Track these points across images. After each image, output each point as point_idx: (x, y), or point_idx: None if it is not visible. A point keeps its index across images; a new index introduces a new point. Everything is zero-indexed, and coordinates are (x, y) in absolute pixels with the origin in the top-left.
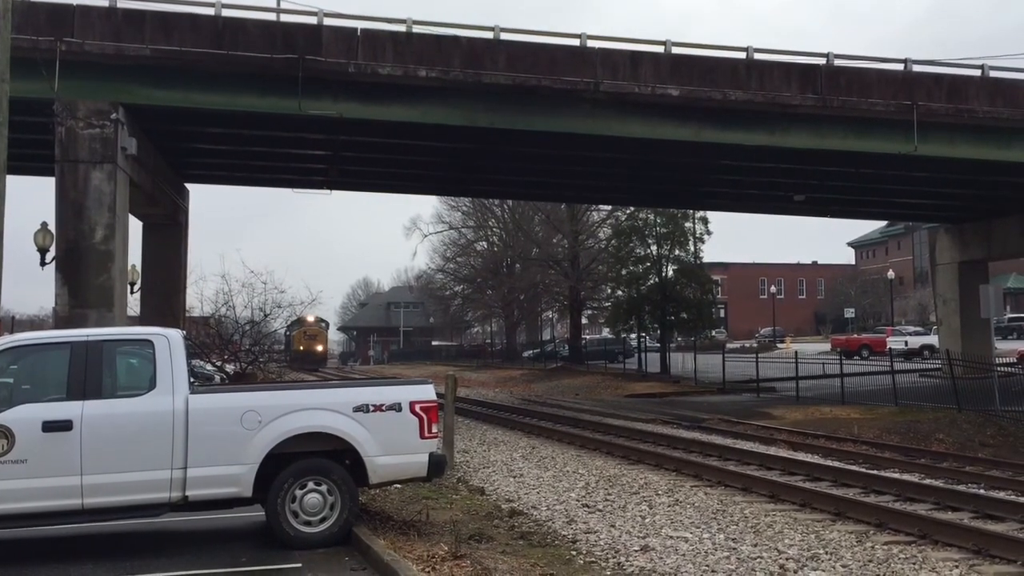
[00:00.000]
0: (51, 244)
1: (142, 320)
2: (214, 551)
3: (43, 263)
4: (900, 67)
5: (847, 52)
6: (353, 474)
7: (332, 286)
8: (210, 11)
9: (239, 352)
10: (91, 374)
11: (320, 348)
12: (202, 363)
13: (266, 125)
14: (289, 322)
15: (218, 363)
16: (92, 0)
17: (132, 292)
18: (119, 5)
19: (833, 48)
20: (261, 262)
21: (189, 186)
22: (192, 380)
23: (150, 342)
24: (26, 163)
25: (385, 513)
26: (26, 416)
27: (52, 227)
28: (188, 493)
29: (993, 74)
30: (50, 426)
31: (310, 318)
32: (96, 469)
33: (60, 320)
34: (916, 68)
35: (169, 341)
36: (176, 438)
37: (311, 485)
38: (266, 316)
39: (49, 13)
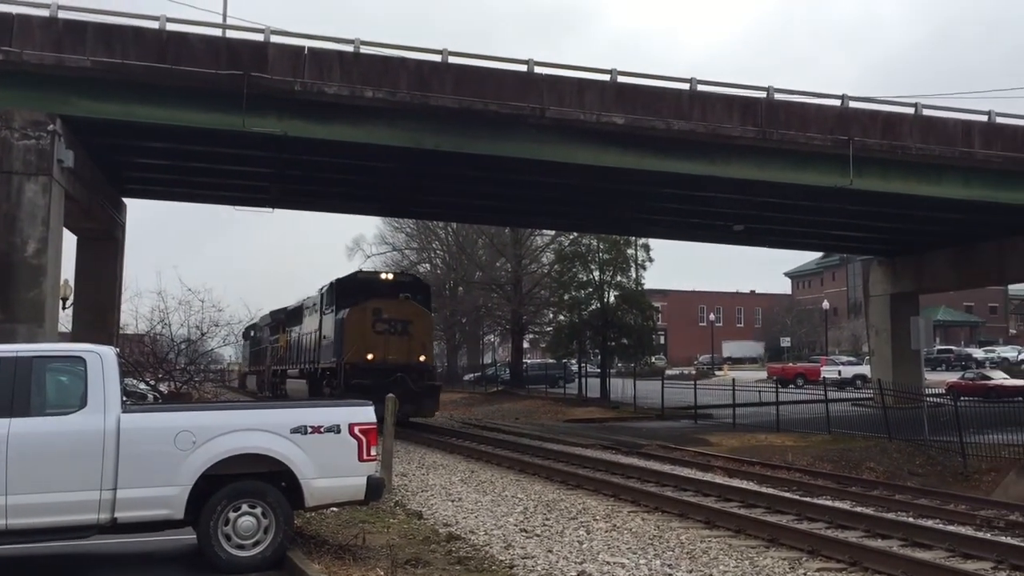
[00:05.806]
0: None
1: (74, 336)
2: (143, 575)
3: None
4: (838, 103)
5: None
6: (289, 497)
7: (272, 305)
8: (154, 24)
9: (174, 371)
10: (19, 391)
11: (423, 357)
12: (135, 382)
13: (209, 141)
14: (323, 290)
15: (152, 382)
16: (32, 9)
17: (64, 308)
18: (60, 16)
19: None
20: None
21: (127, 200)
22: (125, 399)
23: (82, 359)
24: None
25: (320, 537)
26: None
27: None
28: (117, 515)
29: (926, 112)
30: None
31: (386, 276)
32: (22, 489)
33: None
34: (853, 104)
35: (102, 358)
36: (106, 458)
37: (245, 508)
38: (203, 335)
39: None
